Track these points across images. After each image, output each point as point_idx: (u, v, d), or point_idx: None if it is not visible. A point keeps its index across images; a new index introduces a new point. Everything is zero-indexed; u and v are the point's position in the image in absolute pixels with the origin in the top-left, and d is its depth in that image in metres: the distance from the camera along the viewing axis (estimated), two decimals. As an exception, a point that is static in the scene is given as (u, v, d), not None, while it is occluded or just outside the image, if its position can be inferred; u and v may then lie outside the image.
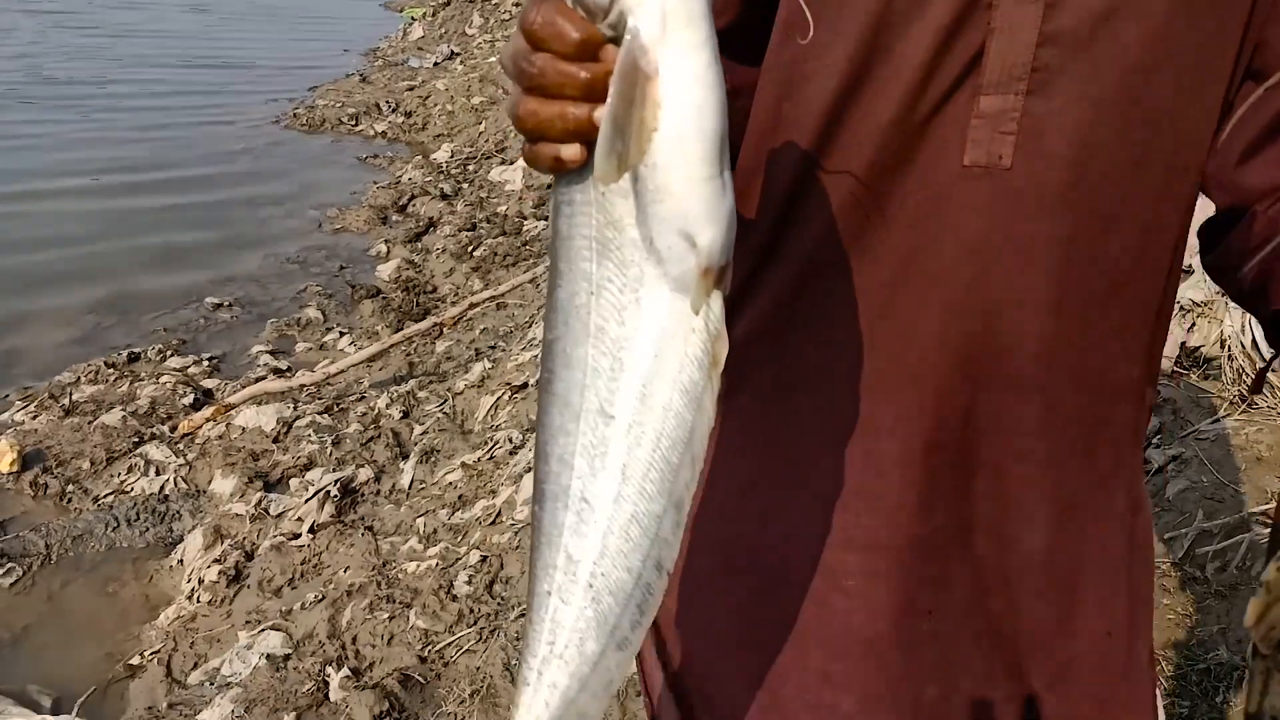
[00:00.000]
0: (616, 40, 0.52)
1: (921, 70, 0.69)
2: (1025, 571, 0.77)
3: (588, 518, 0.60)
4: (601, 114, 0.51)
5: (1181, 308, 2.16)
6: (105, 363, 4.23)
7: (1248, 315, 2.13)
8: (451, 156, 8.26)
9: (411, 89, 10.40)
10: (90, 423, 3.70)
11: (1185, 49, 0.68)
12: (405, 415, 3.79)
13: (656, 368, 0.57)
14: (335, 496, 3.13)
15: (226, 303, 5.06)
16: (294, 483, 3.33)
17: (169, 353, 4.42)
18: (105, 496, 3.31)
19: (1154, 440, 2.01)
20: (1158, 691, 0.86)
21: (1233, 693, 1.49)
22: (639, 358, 0.57)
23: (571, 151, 0.54)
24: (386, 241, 6.13)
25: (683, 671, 0.89)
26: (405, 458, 3.47)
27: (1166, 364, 2.17)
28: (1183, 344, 2.12)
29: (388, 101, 9.86)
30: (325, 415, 3.82)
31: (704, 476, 0.67)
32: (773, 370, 0.79)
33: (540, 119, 0.54)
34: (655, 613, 0.62)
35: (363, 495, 3.25)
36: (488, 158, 8.10)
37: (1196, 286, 2.20)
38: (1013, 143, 0.68)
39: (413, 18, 13.87)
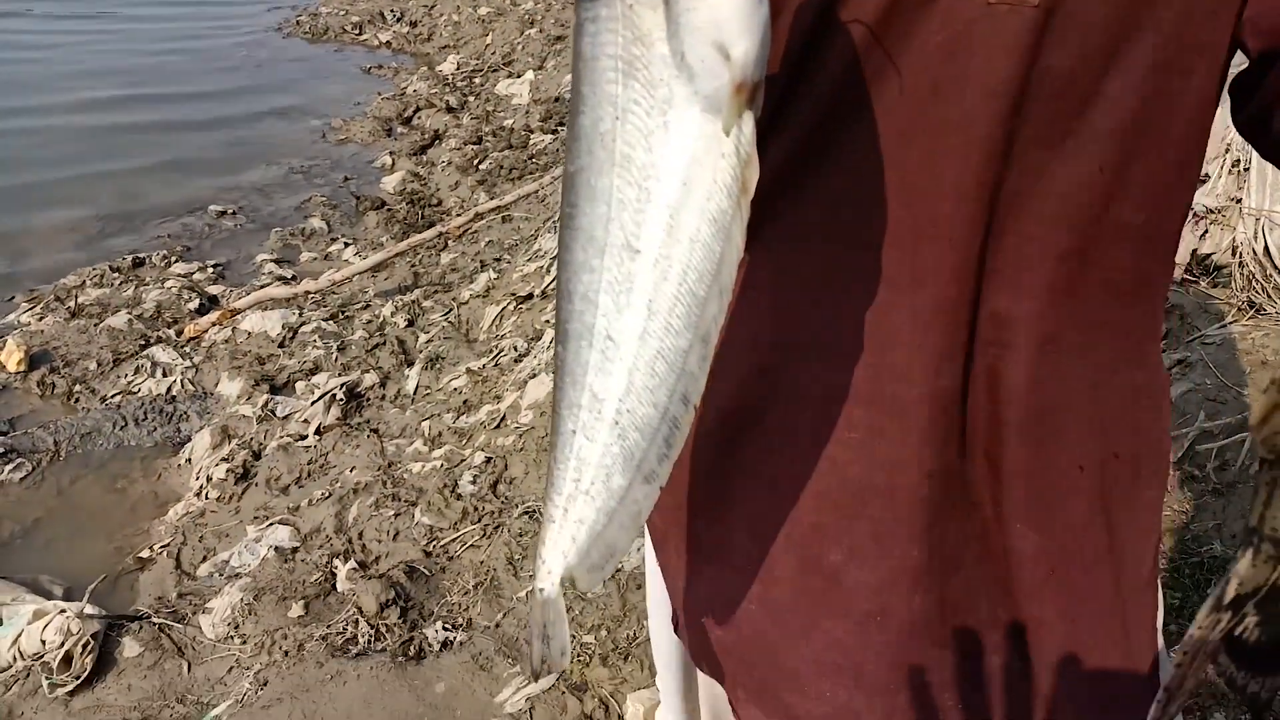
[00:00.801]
0: None
1: None
2: (1013, 414, 0.76)
3: (613, 355, 0.60)
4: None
5: (1195, 214, 2.12)
6: (110, 267, 4.22)
7: (1261, 221, 2.10)
8: (457, 69, 8.11)
9: (416, -3, 10.18)
10: (96, 325, 3.71)
11: None
12: (410, 324, 3.79)
13: (685, 196, 0.56)
14: (341, 400, 3.15)
15: (231, 210, 5.02)
16: (300, 386, 3.35)
17: (173, 259, 4.41)
18: (112, 397, 3.33)
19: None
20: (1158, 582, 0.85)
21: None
22: (667, 186, 0.56)
23: None
24: (391, 154, 6.06)
25: (678, 534, 0.89)
26: (410, 364, 3.48)
27: (1177, 272, 2.15)
28: (1194, 251, 2.09)
29: (392, 10, 9.64)
30: (330, 322, 3.82)
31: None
32: (786, 222, 0.77)
33: None
34: (682, 445, 0.62)
35: (368, 400, 3.27)
36: (494, 70, 7.95)
37: (1211, 194, 2.16)
38: None
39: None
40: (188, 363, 3.52)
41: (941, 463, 0.77)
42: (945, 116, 0.69)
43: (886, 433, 0.77)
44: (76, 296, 3.94)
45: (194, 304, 3.95)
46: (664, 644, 1.20)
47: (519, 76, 7.37)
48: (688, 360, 0.59)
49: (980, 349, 0.75)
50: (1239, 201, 2.09)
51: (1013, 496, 0.77)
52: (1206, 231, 2.08)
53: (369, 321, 3.84)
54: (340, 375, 3.35)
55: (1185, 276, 2.10)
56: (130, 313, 3.81)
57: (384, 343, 3.62)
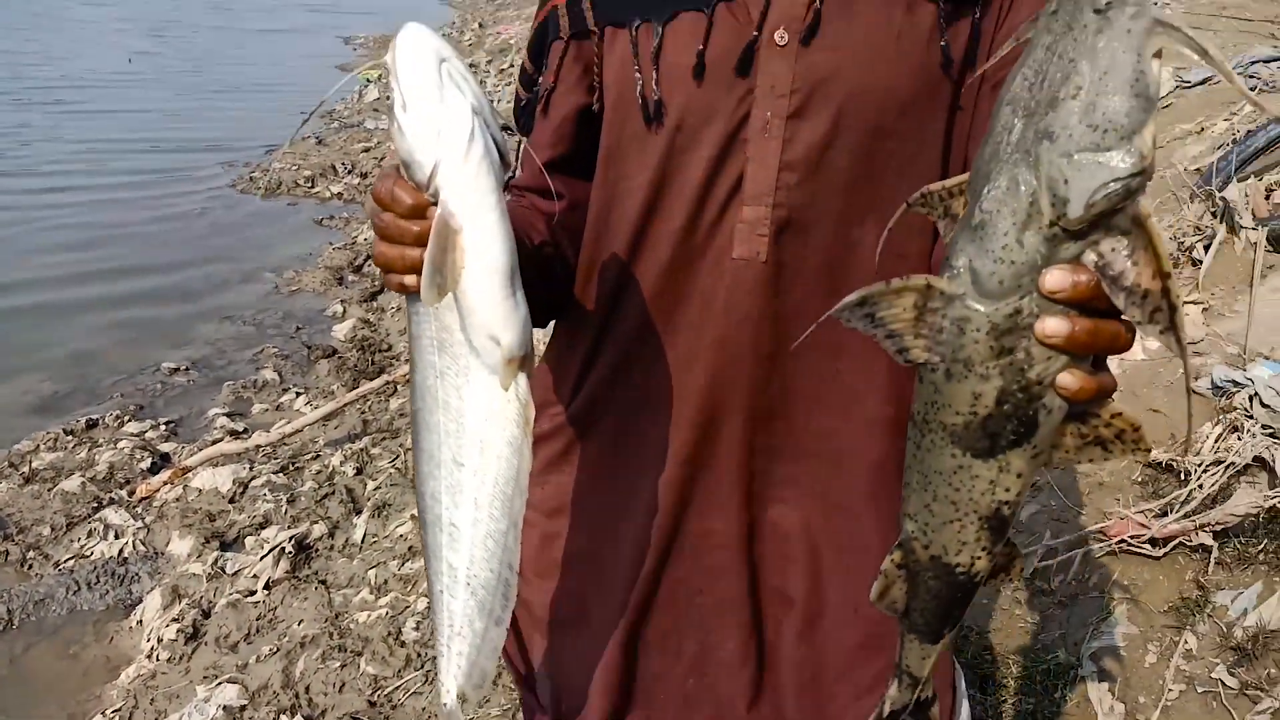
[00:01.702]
0: (436, 203, 0.72)
1: (700, 189, 0.94)
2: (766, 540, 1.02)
3: (457, 537, 0.84)
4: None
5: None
6: (64, 430, 4.34)
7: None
8: (406, 215, 8.46)
9: (367, 150, 10.62)
10: (50, 489, 3.81)
11: (889, 162, 0.92)
12: (359, 471, 3.94)
13: (488, 429, 0.80)
14: (290, 553, 3.27)
15: (183, 367, 5.18)
16: (250, 541, 3.46)
17: (127, 418, 4.54)
18: (65, 561, 3.42)
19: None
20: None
21: (1069, 690, 1.70)
22: (475, 421, 0.80)
23: (411, 280, 0.74)
24: (342, 301, 6.29)
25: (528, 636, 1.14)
26: (359, 513, 3.61)
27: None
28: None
29: (344, 163, 10.06)
30: (281, 474, 3.95)
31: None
32: (610, 421, 1.04)
33: (388, 259, 0.75)
34: (515, 597, 0.86)
35: (317, 550, 3.38)
36: (442, 215, 8.32)
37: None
38: (767, 242, 0.91)
39: (368, 80, 14.12)
40: (139, 523, 3.62)
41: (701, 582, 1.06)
42: (718, 336, 0.95)
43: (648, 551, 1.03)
44: (30, 462, 4.04)
45: (146, 463, 4.06)
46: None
47: (465, 221, 7.72)
48: (508, 538, 0.83)
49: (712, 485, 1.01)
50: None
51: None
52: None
53: (319, 472, 3.97)
54: (289, 528, 3.47)
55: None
56: (83, 475, 3.91)
57: (333, 492, 3.75)
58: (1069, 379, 0.57)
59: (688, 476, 0.99)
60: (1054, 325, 0.56)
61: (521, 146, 1.04)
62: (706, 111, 0.92)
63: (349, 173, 9.90)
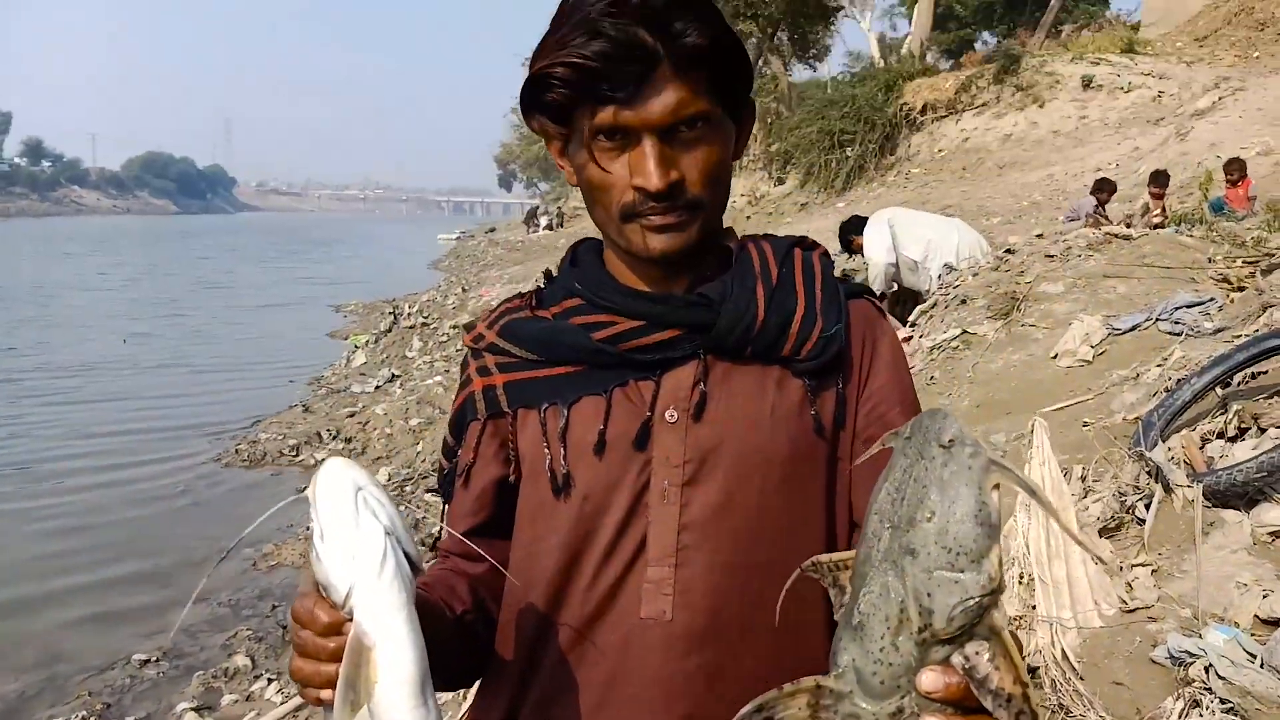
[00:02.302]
0: (352, 619, 0.81)
1: (608, 550, 1.03)
2: None
3: None
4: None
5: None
6: (24, 738, 4.18)
7: (1054, 628, 2.39)
8: (389, 480, 8.56)
9: (352, 415, 10.88)
10: (2, 809, 3.62)
11: (780, 516, 1.03)
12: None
13: None
14: None
15: (154, 658, 5.07)
16: None
17: (93, 718, 4.39)
18: None
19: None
20: None
21: None
22: None
23: (327, 695, 0.81)
24: (321, 576, 6.25)
25: None
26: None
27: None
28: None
29: (329, 429, 10.28)
30: (247, 776, 3.79)
31: None
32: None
33: (305, 674, 0.82)
34: None
35: None
36: (424, 478, 8.41)
37: (1009, 602, 2.48)
38: (671, 601, 0.99)
39: (356, 345, 14.71)
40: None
41: None
42: (624, 694, 1.01)
43: None
44: (-15, 776, 3.87)
45: (107, 771, 3.89)
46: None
47: (446, 484, 7.80)
48: None
49: None
50: (1034, 609, 2.40)
51: None
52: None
53: (286, 771, 3.81)
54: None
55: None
56: (39, 789, 3.74)
57: (300, 794, 3.59)
58: None
59: None
60: None
61: (445, 514, 1.14)
62: (610, 482, 1.03)
63: (334, 438, 10.09)
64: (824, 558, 0.73)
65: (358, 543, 0.80)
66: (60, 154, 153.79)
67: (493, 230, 45.73)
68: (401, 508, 6.43)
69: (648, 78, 0.94)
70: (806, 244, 1.14)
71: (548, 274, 1.17)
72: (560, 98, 0.97)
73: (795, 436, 1.03)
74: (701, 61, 0.96)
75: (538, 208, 37.66)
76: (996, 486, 0.62)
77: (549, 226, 32.37)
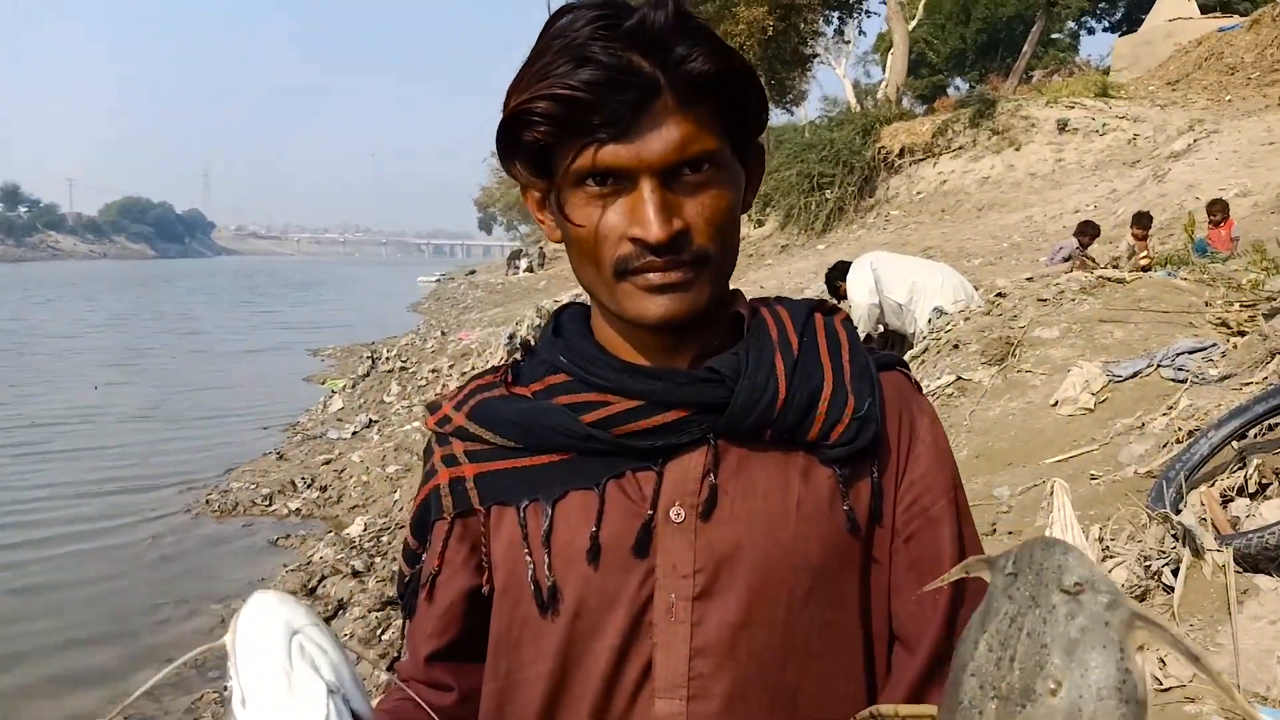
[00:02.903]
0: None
1: (605, 680, 0.84)
2: None
3: None
4: None
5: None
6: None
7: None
8: (365, 530, 8.29)
9: (328, 462, 10.61)
10: None
11: (810, 632, 0.84)
12: None
13: None
14: None
15: (114, 726, 4.79)
16: None
17: (42, 797, 4.10)
18: None
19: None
20: None
21: None
22: None
23: None
24: (292, 634, 5.99)
25: None
26: None
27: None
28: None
29: (303, 477, 10.01)
30: None
31: None
32: None
33: None
34: None
35: None
36: (401, 527, 8.16)
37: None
38: None
39: (333, 390, 14.46)
40: None
41: None
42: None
43: None
44: None
45: None
46: None
47: (425, 536, 7.57)
48: None
49: None
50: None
51: None
52: None
53: None
54: None
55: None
56: None
57: None
58: None
59: None
60: None
61: (405, 630, 0.96)
62: (606, 596, 0.84)
63: (308, 486, 9.82)
64: (886, 709, 0.57)
65: (292, 709, 0.61)
66: (37, 199, 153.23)
67: (473, 272, 45.68)
68: (378, 559, 6.21)
69: (645, 110, 0.77)
70: (826, 308, 0.96)
71: (525, 345, 0.98)
72: (542, 136, 0.79)
73: (826, 537, 0.85)
74: (708, 92, 0.79)
75: (519, 250, 37.66)
76: (1141, 648, 0.48)
77: (529, 269, 32.31)
